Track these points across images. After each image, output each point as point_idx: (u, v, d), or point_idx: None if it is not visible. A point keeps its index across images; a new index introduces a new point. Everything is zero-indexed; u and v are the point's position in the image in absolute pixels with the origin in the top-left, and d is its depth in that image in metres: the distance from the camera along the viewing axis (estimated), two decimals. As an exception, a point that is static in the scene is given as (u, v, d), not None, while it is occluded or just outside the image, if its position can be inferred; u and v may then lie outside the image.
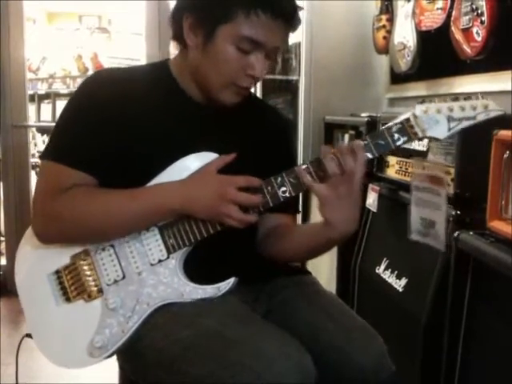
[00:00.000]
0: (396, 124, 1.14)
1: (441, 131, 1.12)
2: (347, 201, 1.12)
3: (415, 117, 1.12)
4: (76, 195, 1.17)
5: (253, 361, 0.99)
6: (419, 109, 1.12)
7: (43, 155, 1.22)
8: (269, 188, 1.15)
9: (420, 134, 1.13)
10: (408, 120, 1.13)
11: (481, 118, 1.12)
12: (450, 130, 1.12)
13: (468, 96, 1.14)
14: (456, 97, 1.14)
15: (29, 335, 1.25)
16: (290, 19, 1.19)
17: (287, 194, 1.15)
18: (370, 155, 1.12)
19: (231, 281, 1.17)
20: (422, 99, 1.16)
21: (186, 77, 1.25)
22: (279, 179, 1.15)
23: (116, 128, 1.18)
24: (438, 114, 1.12)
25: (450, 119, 1.12)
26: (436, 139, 1.15)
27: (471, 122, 1.13)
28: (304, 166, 1.14)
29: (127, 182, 1.17)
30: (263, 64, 1.19)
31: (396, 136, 1.14)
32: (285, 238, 1.30)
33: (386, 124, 1.19)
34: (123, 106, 1.19)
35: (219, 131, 1.25)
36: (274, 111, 1.46)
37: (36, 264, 1.25)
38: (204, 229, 1.18)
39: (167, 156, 1.20)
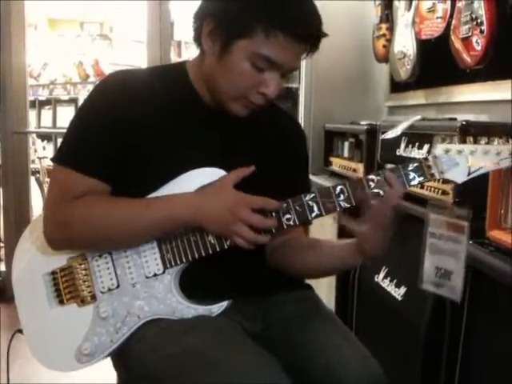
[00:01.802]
0: (413, 162, 1.09)
1: (460, 175, 1.07)
2: (383, 231, 1.11)
3: (435, 157, 1.08)
4: (88, 203, 1.15)
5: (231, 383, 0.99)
6: (440, 148, 1.08)
7: (56, 158, 1.19)
8: (273, 213, 1.12)
9: (437, 176, 1.09)
10: (426, 159, 1.09)
11: (504, 164, 1.06)
12: (469, 174, 1.07)
13: (491, 139, 1.09)
14: (476, 139, 1.09)
15: (20, 331, 1.24)
16: (313, 43, 1.14)
17: (291, 223, 1.12)
18: (381, 192, 1.09)
19: (224, 304, 1.16)
20: (443, 140, 1.10)
21: (202, 81, 1.21)
22: (285, 205, 1.12)
23: (128, 132, 1.16)
24: (458, 155, 1.07)
25: (470, 162, 1.07)
26: (454, 182, 1.11)
27: (492, 168, 1.07)
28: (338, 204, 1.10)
29: (140, 186, 1.16)
30: (277, 83, 1.14)
31: (412, 175, 1.10)
32: (305, 252, 1.26)
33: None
34: (136, 111, 1.16)
35: (233, 139, 1.23)
36: (292, 120, 1.42)
37: (32, 263, 1.24)
38: (203, 247, 1.15)
39: (179, 162, 1.17)
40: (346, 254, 1.18)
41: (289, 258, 1.27)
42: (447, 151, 1.07)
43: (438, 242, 1.11)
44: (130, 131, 1.16)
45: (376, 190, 1.08)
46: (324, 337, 1.16)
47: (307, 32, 1.11)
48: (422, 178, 1.09)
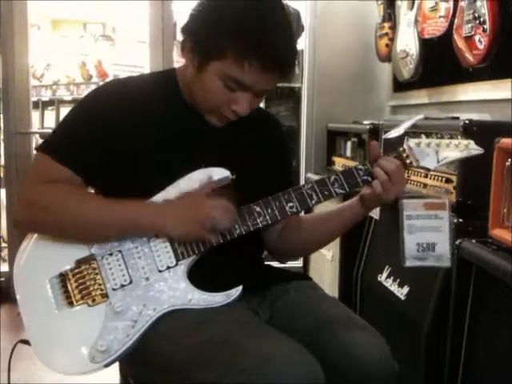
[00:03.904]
0: (393, 153, 1.25)
1: (431, 162, 1.25)
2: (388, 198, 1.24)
3: (409, 148, 1.25)
4: (59, 188, 1.19)
5: (262, 368, 1.00)
6: (412, 142, 1.25)
7: (39, 147, 1.24)
8: (277, 203, 1.21)
9: (414, 164, 1.25)
10: (404, 150, 1.25)
11: (463, 154, 1.25)
12: (438, 161, 1.25)
13: (452, 135, 1.29)
14: (442, 135, 1.30)
15: (24, 341, 1.23)
16: (283, 70, 1.18)
17: (294, 209, 1.22)
18: (370, 178, 1.22)
19: (239, 289, 1.18)
20: (414, 132, 1.28)
21: (187, 89, 1.27)
22: (286, 195, 1.22)
23: (116, 137, 1.20)
24: (427, 147, 1.25)
25: (438, 153, 1.25)
26: (428, 169, 1.27)
27: (456, 157, 1.26)
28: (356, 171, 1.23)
29: (127, 192, 1.18)
30: (248, 103, 1.19)
31: None
32: (313, 226, 1.37)
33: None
34: (126, 118, 1.21)
35: (220, 143, 1.27)
36: (276, 122, 1.46)
37: (37, 267, 1.24)
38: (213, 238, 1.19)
39: (166, 168, 1.21)
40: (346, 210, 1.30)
41: (296, 236, 1.36)
42: (418, 144, 1.25)
43: (416, 222, 1.27)
44: (118, 136, 1.20)
45: (365, 177, 1.23)
46: (328, 318, 1.19)
47: (275, 63, 1.15)
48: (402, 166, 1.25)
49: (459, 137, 1.28)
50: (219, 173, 1.21)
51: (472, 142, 1.26)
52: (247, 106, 1.20)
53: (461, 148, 1.24)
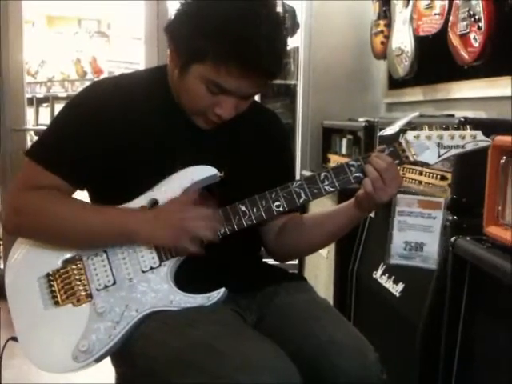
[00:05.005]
0: (389, 147, 1.18)
1: (431, 157, 1.17)
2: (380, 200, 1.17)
3: (407, 142, 1.17)
4: (43, 195, 1.18)
5: (240, 374, 0.99)
6: (411, 135, 1.17)
7: (27, 152, 1.23)
8: (263, 202, 1.18)
9: (411, 159, 1.18)
10: (400, 144, 1.18)
11: (469, 147, 1.16)
12: (439, 156, 1.17)
13: (457, 126, 1.19)
14: (446, 126, 1.18)
15: (14, 338, 1.24)
16: (267, 77, 1.15)
17: (281, 209, 1.18)
18: (362, 175, 1.17)
19: (221, 291, 1.17)
20: (413, 126, 1.21)
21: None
22: (273, 194, 1.18)
23: (105, 135, 1.19)
24: (428, 140, 1.17)
25: (439, 146, 1.16)
26: (426, 164, 1.19)
27: (460, 150, 1.17)
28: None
29: (113, 193, 1.18)
30: (232, 107, 1.16)
31: None
32: (310, 229, 1.32)
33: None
34: (116, 116, 1.19)
35: (211, 142, 1.25)
36: (274, 116, 1.44)
37: (26, 267, 1.25)
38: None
39: (154, 170, 1.19)
40: (343, 211, 1.26)
41: (293, 238, 1.33)
42: (417, 137, 1.17)
43: (408, 219, 1.21)
44: (109, 134, 1.19)
45: (357, 174, 1.17)
46: (318, 325, 1.17)
47: (256, 70, 1.11)
48: (397, 161, 1.18)
49: (468, 126, 1.17)
50: (206, 171, 1.19)
51: (479, 132, 1.16)
52: (231, 110, 1.17)
53: (467, 140, 1.15)
